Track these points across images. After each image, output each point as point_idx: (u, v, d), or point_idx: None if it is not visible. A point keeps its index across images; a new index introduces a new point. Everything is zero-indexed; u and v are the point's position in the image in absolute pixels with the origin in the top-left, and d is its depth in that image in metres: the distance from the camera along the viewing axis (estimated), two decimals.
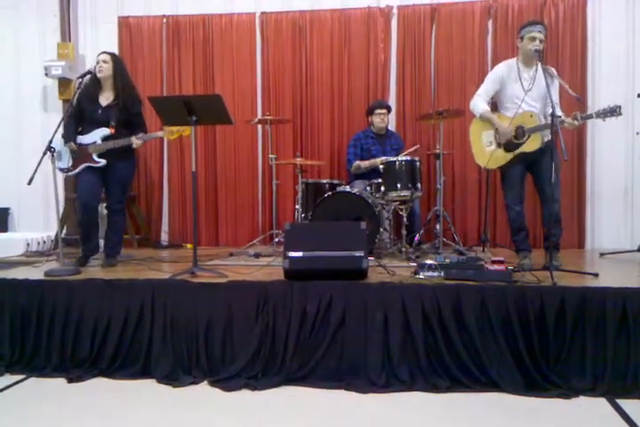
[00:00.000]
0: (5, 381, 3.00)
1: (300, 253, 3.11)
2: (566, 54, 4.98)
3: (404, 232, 4.16)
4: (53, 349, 3.16)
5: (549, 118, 3.53)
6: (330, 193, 4.22)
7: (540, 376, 2.77)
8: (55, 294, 3.21)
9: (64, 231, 5.34)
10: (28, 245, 5.03)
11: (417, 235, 4.46)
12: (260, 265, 3.81)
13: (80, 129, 3.98)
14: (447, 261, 3.29)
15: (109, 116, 3.88)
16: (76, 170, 3.92)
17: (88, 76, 3.88)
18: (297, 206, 4.54)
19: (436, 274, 3.20)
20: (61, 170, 3.96)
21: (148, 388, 2.90)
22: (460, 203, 5.12)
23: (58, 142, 3.87)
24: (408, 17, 5.20)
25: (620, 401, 2.63)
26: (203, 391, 2.84)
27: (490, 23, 5.13)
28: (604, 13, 5.01)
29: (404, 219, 4.19)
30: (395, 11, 5.24)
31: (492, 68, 5.00)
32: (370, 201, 4.13)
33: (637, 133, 4.77)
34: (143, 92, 4.50)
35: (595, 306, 2.83)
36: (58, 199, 3.64)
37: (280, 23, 5.35)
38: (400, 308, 2.94)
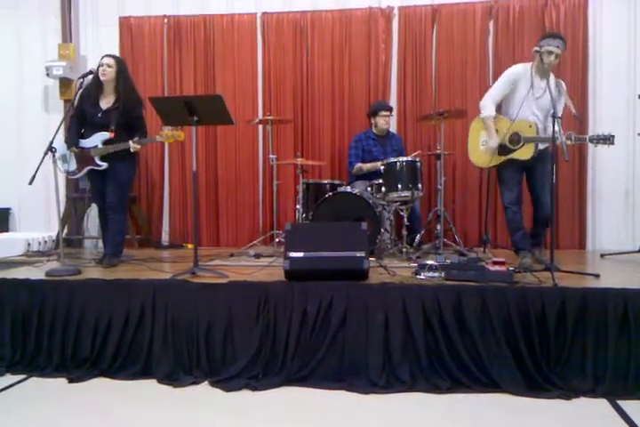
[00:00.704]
0: (6, 381, 3.00)
1: (300, 254, 3.11)
2: (567, 55, 4.96)
3: (404, 233, 4.17)
4: (54, 349, 3.16)
5: (548, 131, 3.57)
6: (331, 193, 4.22)
7: (540, 377, 2.77)
8: (56, 294, 3.21)
9: (65, 231, 5.34)
10: (29, 244, 5.04)
11: (418, 235, 4.46)
12: (261, 265, 3.80)
13: (82, 131, 4.00)
14: (448, 261, 3.29)
15: (109, 119, 3.88)
16: (81, 173, 3.97)
17: (90, 77, 3.87)
18: (298, 207, 4.54)
19: (436, 275, 3.20)
20: (68, 173, 4.01)
21: (149, 388, 2.90)
22: (460, 203, 5.12)
23: (63, 146, 3.93)
24: (409, 17, 5.20)
25: (620, 402, 2.63)
26: (203, 392, 2.84)
27: (491, 24, 5.12)
28: (605, 14, 5.01)
29: (405, 219, 4.19)
30: (396, 11, 5.24)
31: (493, 68, 5.07)
32: (371, 202, 4.13)
33: (639, 134, 4.77)
34: (144, 93, 4.51)
35: (596, 307, 2.83)
36: (59, 199, 3.65)
37: (281, 24, 5.35)
38: (401, 308, 2.94)
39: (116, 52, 5.34)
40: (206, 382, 2.92)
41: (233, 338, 3.04)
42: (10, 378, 3.04)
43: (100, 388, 2.91)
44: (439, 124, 4.34)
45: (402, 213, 4.21)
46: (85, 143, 3.94)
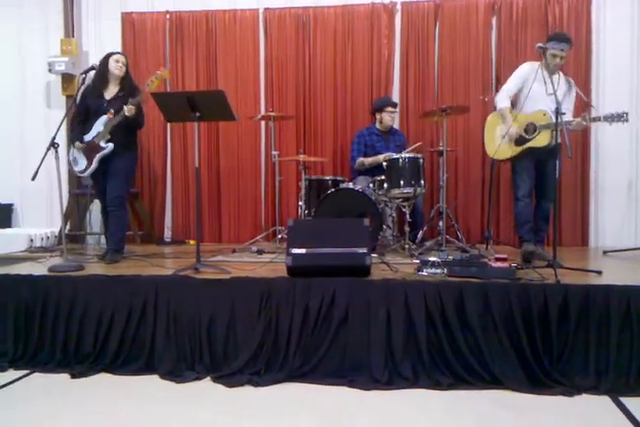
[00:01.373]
0: (9, 376, 3.01)
1: (302, 250, 3.11)
2: (570, 51, 4.93)
3: (407, 229, 4.16)
4: (57, 344, 3.17)
5: (563, 119, 3.61)
6: (333, 190, 4.22)
7: (542, 374, 2.77)
8: (59, 289, 3.22)
9: (67, 227, 5.35)
10: (32, 240, 5.05)
11: (420, 232, 4.46)
12: (263, 262, 3.80)
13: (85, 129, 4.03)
14: (450, 258, 3.30)
15: (114, 107, 3.92)
16: (93, 164, 3.96)
17: (92, 72, 3.89)
18: (300, 203, 4.54)
19: (439, 271, 3.19)
20: (81, 172, 4.04)
21: (151, 384, 2.91)
22: (463, 200, 5.11)
23: (71, 149, 4.05)
24: (412, 13, 5.18)
25: (623, 399, 2.62)
26: (206, 387, 2.84)
27: (494, 20, 5.10)
28: (609, 9, 4.99)
29: (407, 216, 4.19)
30: (398, 7, 5.22)
31: (496, 64, 5.06)
32: (373, 198, 4.13)
33: None
34: (146, 89, 4.49)
35: (598, 304, 2.83)
36: (61, 195, 3.65)
37: (283, 19, 5.34)
38: (403, 305, 2.94)
39: (119, 48, 5.36)
40: (208, 378, 2.93)
41: (235, 334, 3.04)
42: (13, 373, 3.05)
43: (103, 383, 2.92)
44: (441, 121, 4.32)
45: (404, 210, 4.21)
46: (89, 136, 3.96)
